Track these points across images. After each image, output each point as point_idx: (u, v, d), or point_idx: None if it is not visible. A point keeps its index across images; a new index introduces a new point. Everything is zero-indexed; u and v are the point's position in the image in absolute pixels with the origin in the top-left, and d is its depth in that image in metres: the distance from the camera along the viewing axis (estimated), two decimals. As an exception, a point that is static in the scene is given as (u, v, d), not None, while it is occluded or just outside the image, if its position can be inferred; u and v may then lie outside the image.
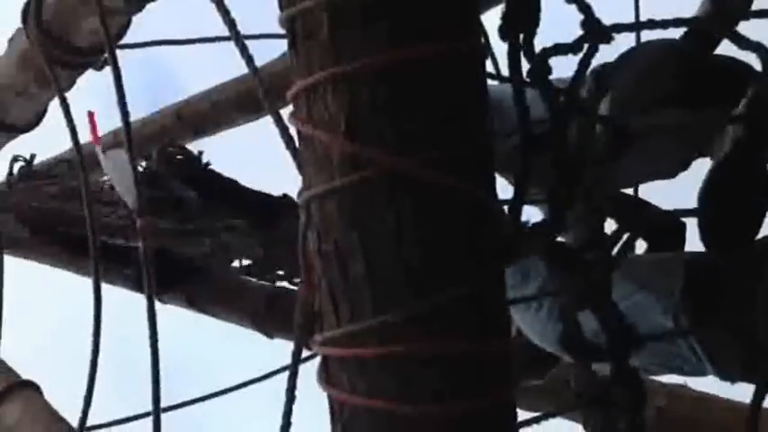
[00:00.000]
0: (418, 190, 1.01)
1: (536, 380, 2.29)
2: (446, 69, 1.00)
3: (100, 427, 2.45)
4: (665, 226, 1.96)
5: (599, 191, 1.13)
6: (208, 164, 3.07)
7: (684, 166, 1.94)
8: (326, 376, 1.07)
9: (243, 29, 1.57)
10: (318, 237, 1.06)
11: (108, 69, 1.94)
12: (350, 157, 1.01)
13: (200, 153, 3.10)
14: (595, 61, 1.20)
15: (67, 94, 2.30)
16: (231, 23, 1.60)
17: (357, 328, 1.02)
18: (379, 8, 0.98)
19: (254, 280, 3.00)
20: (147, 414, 1.88)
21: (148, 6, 2.18)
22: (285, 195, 2.95)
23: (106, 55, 2.31)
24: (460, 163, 1.02)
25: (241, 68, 1.63)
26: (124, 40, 2.31)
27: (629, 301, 1.91)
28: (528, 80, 1.14)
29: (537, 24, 1.13)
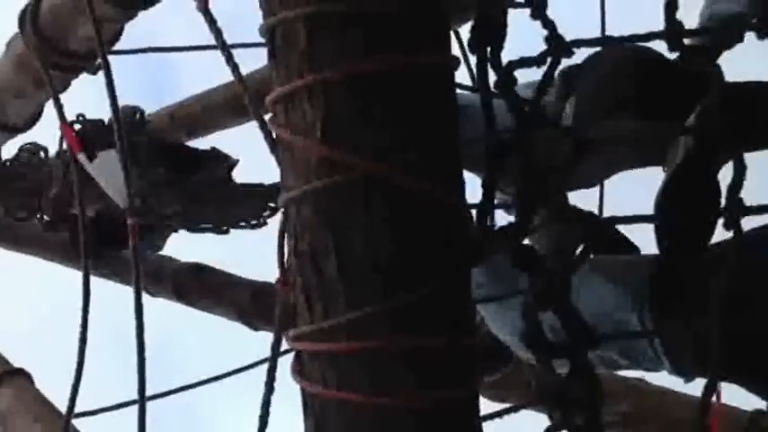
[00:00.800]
0: (391, 194, 1.01)
1: (489, 376, 2.28)
2: (419, 79, 1.01)
3: (89, 414, 2.43)
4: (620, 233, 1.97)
5: (560, 196, 1.13)
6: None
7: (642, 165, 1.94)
8: (300, 370, 1.07)
9: (235, 34, 1.56)
10: (295, 237, 1.05)
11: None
12: (325, 162, 1.01)
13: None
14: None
15: (71, 89, 2.30)
16: (217, 32, 1.59)
17: (329, 324, 1.02)
18: (354, 20, 0.98)
19: (240, 276, 2.99)
20: (134, 402, 1.86)
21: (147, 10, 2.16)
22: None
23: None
24: (432, 168, 1.02)
25: (243, 70, 1.63)
26: (121, 45, 2.30)
27: (597, 295, 1.91)
28: (495, 91, 1.14)
29: (504, 38, 1.13)
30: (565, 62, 1.19)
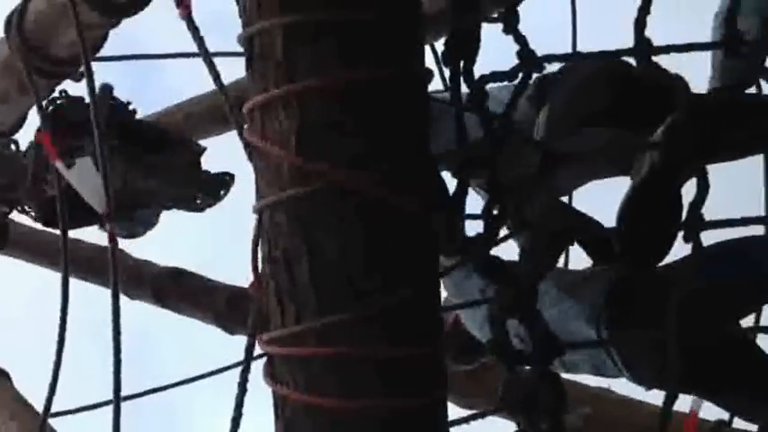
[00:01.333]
0: (363, 203, 1.00)
1: (466, 366, 2.27)
2: (392, 91, 0.99)
3: (65, 413, 2.38)
4: (599, 238, 1.97)
5: (530, 207, 1.12)
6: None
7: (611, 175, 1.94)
8: (271, 373, 1.05)
9: (221, 42, 1.54)
10: (269, 244, 1.04)
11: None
12: (299, 171, 0.99)
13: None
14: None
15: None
16: (200, 40, 1.57)
17: (300, 329, 1.01)
18: (330, 31, 0.97)
19: (217, 280, 2.97)
20: (109, 402, 1.82)
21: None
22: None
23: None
24: (404, 179, 1.01)
25: (232, 75, 1.60)
26: (109, 48, 2.26)
27: (558, 308, 1.91)
28: (467, 104, 1.14)
29: (476, 53, 1.12)
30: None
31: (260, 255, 1.08)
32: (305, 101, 0.98)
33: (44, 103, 2.35)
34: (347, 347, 0.99)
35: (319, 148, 0.99)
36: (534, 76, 2.14)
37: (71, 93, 2.54)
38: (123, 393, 1.79)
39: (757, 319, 2.11)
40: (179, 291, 2.94)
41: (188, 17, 1.55)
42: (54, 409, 2.02)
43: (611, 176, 1.99)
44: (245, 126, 1.05)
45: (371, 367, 1.00)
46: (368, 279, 1.00)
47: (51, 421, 2.09)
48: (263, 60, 1.00)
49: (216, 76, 1.55)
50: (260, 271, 1.08)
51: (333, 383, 1.00)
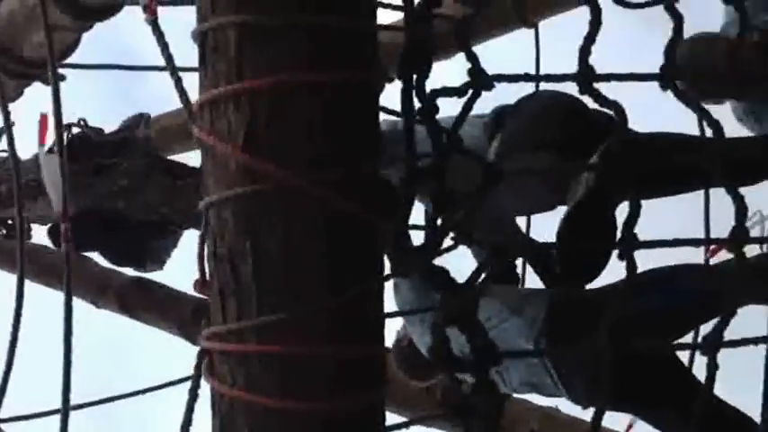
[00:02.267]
0: (308, 204, 0.94)
1: (420, 383, 2.24)
2: (343, 95, 0.95)
3: (16, 419, 2.25)
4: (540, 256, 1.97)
5: (470, 221, 1.09)
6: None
7: (551, 206, 1.95)
8: (210, 370, 0.99)
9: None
10: (213, 240, 0.98)
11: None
12: (246, 170, 0.94)
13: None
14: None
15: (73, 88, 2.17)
16: (168, 57, 1.50)
17: (241, 326, 0.95)
18: (284, 32, 0.92)
19: (184, 291, 2.89)
20: (56, 411, 1.72)
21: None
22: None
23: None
24: (350, 183, 0.96)
25: None
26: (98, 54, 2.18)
27: (501, 326, 1.90)
28: (418, 117, 1.10)
29: (429, 68, 1.09)
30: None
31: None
32: (255, 100, 0.93)
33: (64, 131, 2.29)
34: (287, 346, 0.93)
35: (267, 148, 0.94)
36: (492, 110, 2.16)
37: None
38: (86, 401, 1.70)
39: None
40: (144, 300, 2.85)
41: (153, 22, 1.48)
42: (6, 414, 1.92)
43: (552, 205, 1.99)
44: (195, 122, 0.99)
45: (312, 366, 0.94)
46: (310, 279, 0.94)
47: (3, 426, 1.98)
48: (215, 57, 0.95)
49: (182, 92, 1.46)
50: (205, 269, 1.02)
51: (272, 382, 0.95)
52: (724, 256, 2.17)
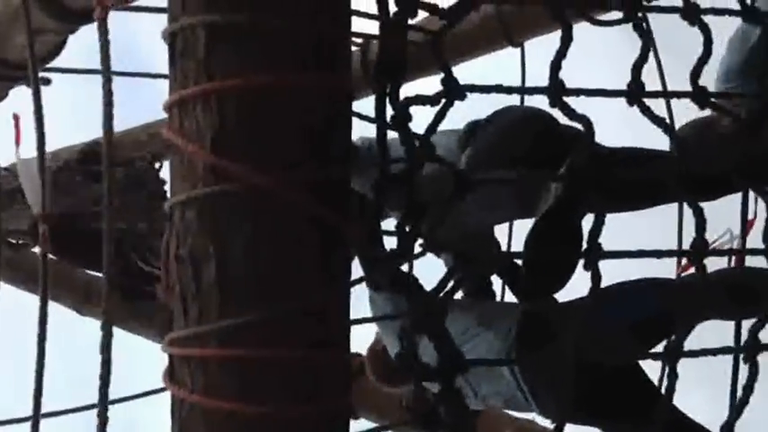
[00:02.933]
0: (275, 207, 0.90)
1: (392, 388, 2.19)
2: (314, 98, 0.90)
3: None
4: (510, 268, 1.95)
5: (441, 229, 1.05)
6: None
7: (523, 214, 1.92)
8: (170, 375, 0.93)
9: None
10: (177, 241, 0.93)
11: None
12: (213, 170, 0.89)
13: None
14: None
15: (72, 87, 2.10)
16: (104, 43, 1.44)
17: (202, 330, 0.89)
18: (254, 33, 0.88)
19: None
20: (27, 418, 1.63)
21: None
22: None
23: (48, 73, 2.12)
24: (318, 186, 0.91)
25: None
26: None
27: (474, 340, 1.87)
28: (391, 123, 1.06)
29: (403, 77, 1.05)
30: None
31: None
32: (223, 100, 0.88)
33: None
34: (248, 350, 0.88)
35: (235, 149, 0.89)
36: (466, 123, 2.14)
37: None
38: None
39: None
40: (130, 308, 2.78)
41: (102, 21, 1.40)
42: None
43: (519, 217, 1.96)
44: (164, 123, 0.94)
45: (273, 371, 0.89)
46: (274, 282, 0.89)
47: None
48: (184, 57, 0.90)
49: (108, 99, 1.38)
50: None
51: (232, 387, 0.89)
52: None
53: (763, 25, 1.23)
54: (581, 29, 1.16)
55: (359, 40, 2.76)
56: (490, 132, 1.97)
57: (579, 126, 1.15)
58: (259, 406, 0.88)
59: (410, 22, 1.01)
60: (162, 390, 0.97)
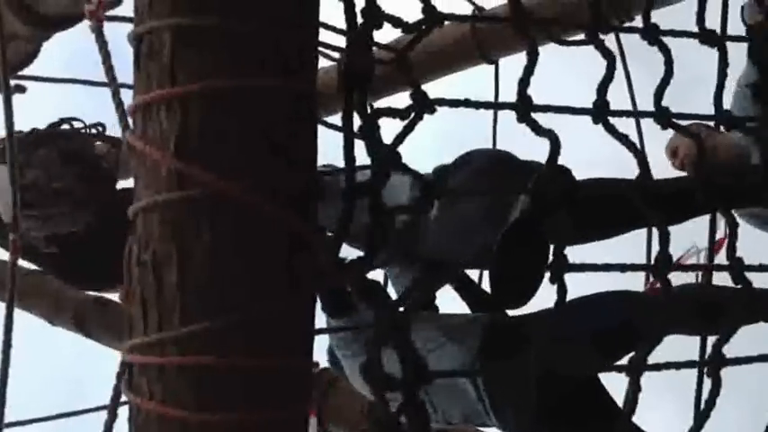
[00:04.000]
0: (238, 212, 0.88)
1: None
2: (279, 103, 0.89)
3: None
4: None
5: (408, 238, 1.04)
6: None
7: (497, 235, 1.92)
8: (129, 382, 0.91)
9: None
10: (139, 246, 0.91)
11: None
12: (176, 175, 0.87)
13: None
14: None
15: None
16: (109, 67, 1.43)
17: (161, 336, 0.87)
18: (220, 36, 0.87)
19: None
20: None
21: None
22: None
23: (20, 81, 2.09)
24: (283, 192, 0.90)
25: None
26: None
27: (438, 350, 1.86)
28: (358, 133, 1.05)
29: (369, 87, 1.05)
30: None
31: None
32: (187, 105, 0.87)
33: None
34: (208, 357, 0.86)
35: (198, 153, 0.87)
36: (433, 168, 2.16)
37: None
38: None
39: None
40: (103, 320, 2.72)
41: (98, 30, 1.40)
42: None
43: (485, 234, 1.96)
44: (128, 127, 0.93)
45: (233, 379, 0.87)
46: (236, 288, 0.88)
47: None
48: (149, 61, 0.89)
49: (122, 114, 1.38)
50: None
51: (191, 395, 0.87)
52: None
53: (719, 49, 1.25)
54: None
55: (336, 55, 2.77)
56: (462, 174, 1.99)
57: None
58: (215, 413, 0.86)
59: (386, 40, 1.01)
60: (125, 403, 0.94)
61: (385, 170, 1.03)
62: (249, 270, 0.89)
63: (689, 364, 1.30)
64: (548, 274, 1.12)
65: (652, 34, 1.19)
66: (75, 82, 2.72)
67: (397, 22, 0.98)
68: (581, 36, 1.22)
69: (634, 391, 1.14)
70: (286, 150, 0.90)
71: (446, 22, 1.11)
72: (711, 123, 2.23)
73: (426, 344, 1.82)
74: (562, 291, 1.10)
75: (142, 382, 0.89)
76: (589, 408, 1.79)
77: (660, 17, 1.27)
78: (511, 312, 1.83)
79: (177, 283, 0.88)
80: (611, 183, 1.95)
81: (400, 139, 1.11)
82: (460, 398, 1.81)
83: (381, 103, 1.07)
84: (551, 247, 1.15)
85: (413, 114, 1.10)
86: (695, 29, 1.25)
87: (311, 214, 0.95)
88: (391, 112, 1.10)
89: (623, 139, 1.21)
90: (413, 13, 1.03)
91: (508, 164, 1.96)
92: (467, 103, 1.21)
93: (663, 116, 1.22)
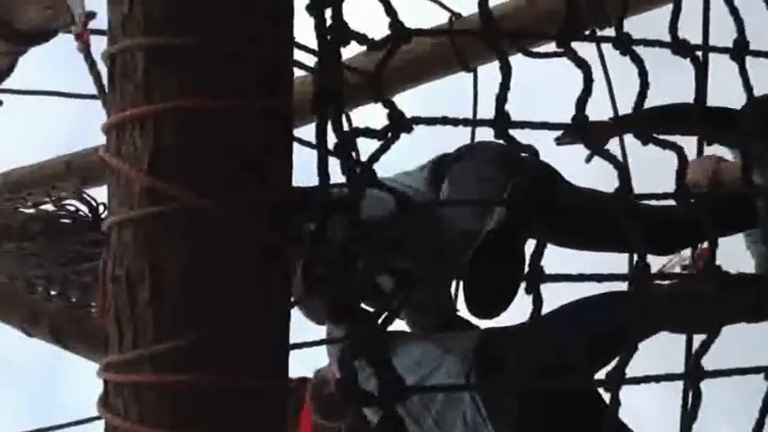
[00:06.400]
0: (211, 228, 0.90)
1: (337, 422, 2.17)
2: (252, 121, 0.91)
3: None
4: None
5: (384, 251, 1.06)
6: None
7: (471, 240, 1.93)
8: (104, 400, 0.92)
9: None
10: (114, 262, 0.92)
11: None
12: (149, 192, 0.89)
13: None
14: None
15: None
16: (101, 87, 1.45)
17: (136, 354, 0.88)
18: (193, 56, 0.89)
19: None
20: None
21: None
22: None
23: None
24: (256, 208, 0.92)
25: None
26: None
27: (432, 366, 1.87)
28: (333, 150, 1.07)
29: (344, 104, 1.07)
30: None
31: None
32: (160, 123, 0.89)
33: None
34: (183, 376, 0.87)
35: (171, 171, 0.89)
36: (430, 160, 2.16)
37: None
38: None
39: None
40: (79, 331, 2.72)
41: (86, 50, 1.44)
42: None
43: (461, 247, 1.97)
44: (102, 145, 0.94)
45: (208, 398, 0.89)
46: (210, 305, 0.89)
47: None
48: (123, 79, 0.90)
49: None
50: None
51: (167, 414, 0.88)
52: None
53: (692, 60, 1.28)
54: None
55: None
56: (466, 166, 1.99)
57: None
58: (191, 432, 0.87)
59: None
60: (97, 418, 0.95)
61: (360, 188, 1.04)
62: (223, 286, 0.90)
63: (670, 377, 1.32)
64: (524, 285, 1.13)
65: (624, 43, 1.21)
66: (52, 94, 2.73)
67: (363, 39, 1.00)
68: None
69: (613, 403, 1.16)
70: (260, 167, 0.92)
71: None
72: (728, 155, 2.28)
73: (419, 360, 1.83)
74: (538, 301, 1.12)
75: (118, 401, 0.90)
76: (587, 416, 1.78)
77: (660, 18, 1.25)
78: (511, 322, 1.83)
79: (150, 300, 0.89)
80: (592, 194, 1.96)
81: (375, 157, 1.14)
82: (461, 410, 1.81)
83: (361, 111, 1.09)
84: (527, 258, 1.17)
85: (389, 135, 1.12)
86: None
87: (289, 229, 0.97)
88: (368, 133, 1.12)
89: (601, 151, 1.24)
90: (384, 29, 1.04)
91: (510, 157, 1.96)
92: (444, 120, 1.23)
93: (643, 133, 1.24)
